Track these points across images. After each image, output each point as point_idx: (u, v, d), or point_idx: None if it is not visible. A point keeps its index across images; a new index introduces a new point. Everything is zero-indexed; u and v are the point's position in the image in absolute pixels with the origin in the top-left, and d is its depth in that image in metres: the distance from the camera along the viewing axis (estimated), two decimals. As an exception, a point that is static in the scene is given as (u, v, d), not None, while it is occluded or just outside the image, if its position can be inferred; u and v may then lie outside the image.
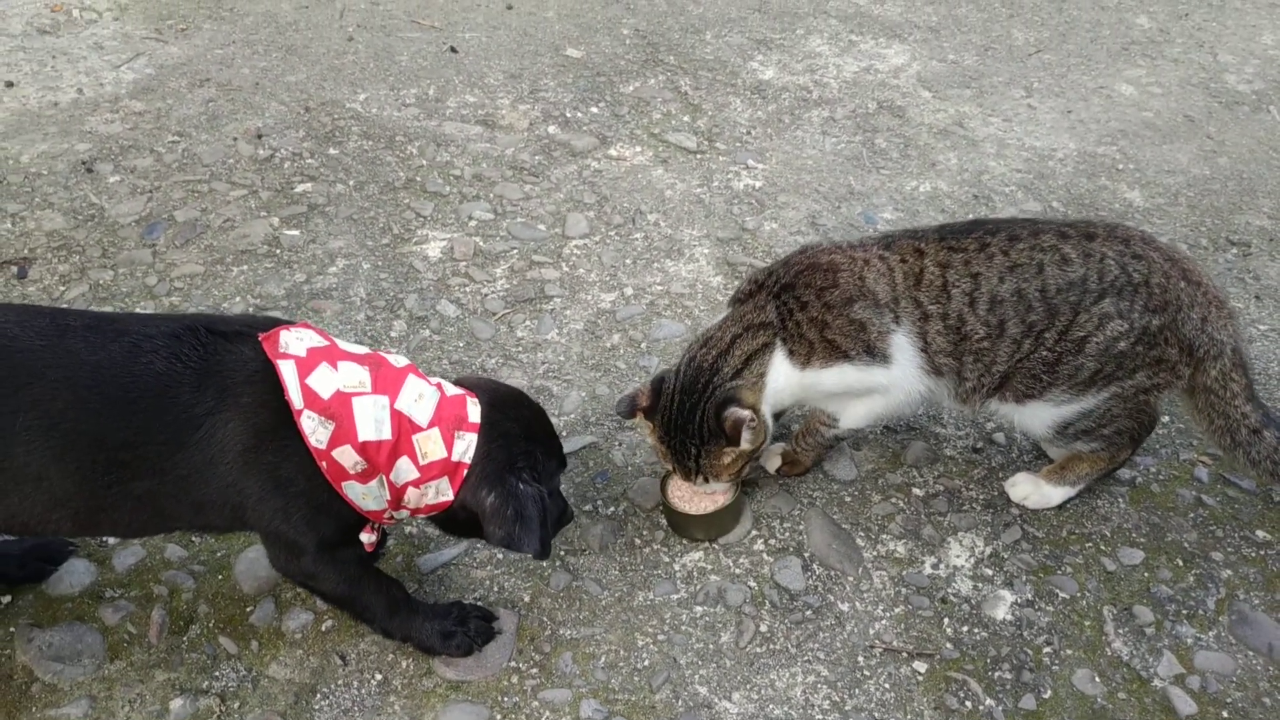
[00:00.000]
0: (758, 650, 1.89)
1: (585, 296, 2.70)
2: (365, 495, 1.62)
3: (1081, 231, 1.94)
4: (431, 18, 4.08)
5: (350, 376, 1.60)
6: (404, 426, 1.61)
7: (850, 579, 2.02)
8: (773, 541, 2.09)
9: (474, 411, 1.68)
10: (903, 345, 1.93)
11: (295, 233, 2.87)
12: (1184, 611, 1.97)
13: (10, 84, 3.45)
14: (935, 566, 2.05)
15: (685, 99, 3.62)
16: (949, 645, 1.91)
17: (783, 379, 1.94)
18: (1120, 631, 1.93)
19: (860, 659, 1.88)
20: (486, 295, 2.69)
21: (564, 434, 2.25)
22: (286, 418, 1.55)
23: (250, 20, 3.97)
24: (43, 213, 2.88)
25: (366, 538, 1.74)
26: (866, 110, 3.60)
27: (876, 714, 1.80)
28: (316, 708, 1.77)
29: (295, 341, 1.60)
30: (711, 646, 1.89)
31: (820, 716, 1.79)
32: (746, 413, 1.87)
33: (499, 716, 1.77)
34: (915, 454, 2.28)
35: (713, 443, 1.92)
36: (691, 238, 2.94)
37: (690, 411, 1.92)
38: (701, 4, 4.30)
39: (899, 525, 2.13)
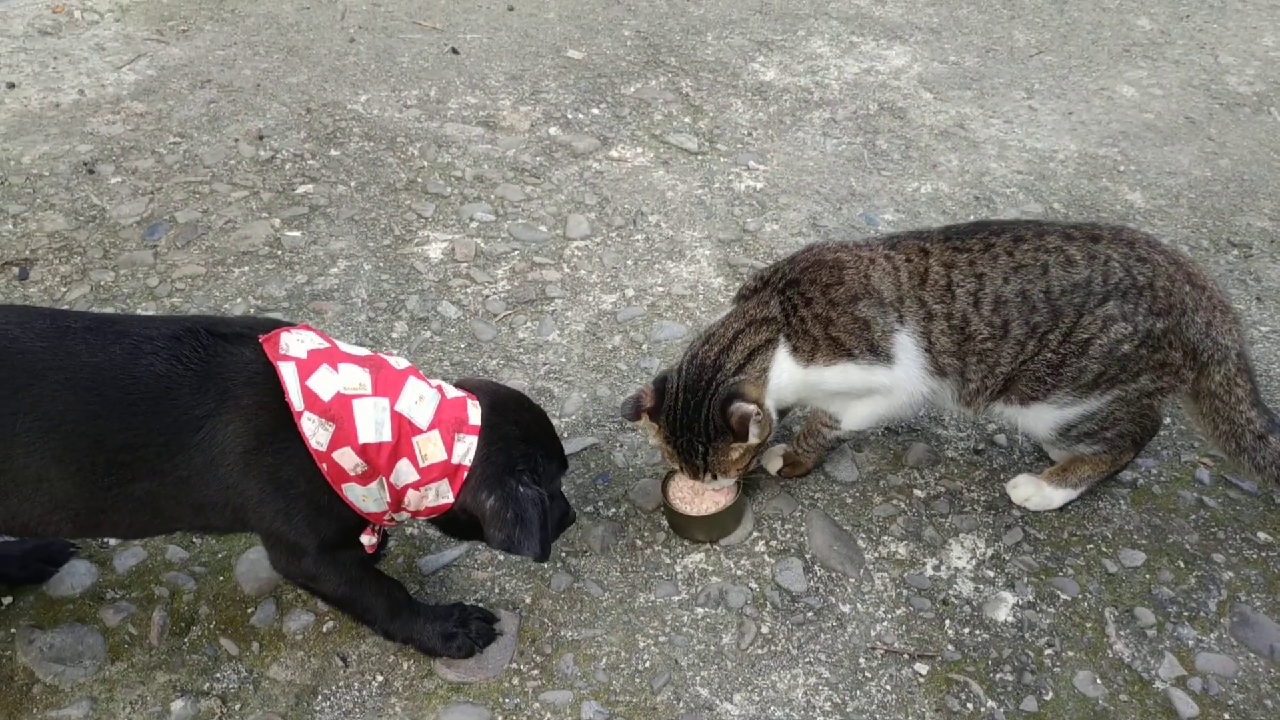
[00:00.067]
0: (759, 652, 1.89)
1: (586, 298, 2.70)
2: (365, 497, 1.62)
3: (1086, 233, 1.94)
4: (433, 19, 4.08)
5: (351, 378, 1.60)
6: (404, 429, 1.60)
7: (851, 580, 2.02)
8: (774, 543, 2.09)
9: (474, 414, 1.68)
10: (906, 345, 1.92)
11: (296, 234, 2.87)
12: (1185, 613, 1.97)
13: (12, 85, 3.45)
14: (937, 568, 2.05)
15: (686, 100, 3.62)
16: (950, 647, 1.90)
17: (785, 376, 1.94)
18: (1122, 633, 1.93)
19: (862, 661, 1.88)
20: (488, 296, 2.69)
21: (565, 435, 2.25)
22: (287, 420, 1.55)
23: (252, 21, 3.97)
24: (44, 214, 2.89)
25: (367, 539, 1.74)
26: (868, 111, 3.60)
27: (878, 716, 1.80)
28: (317, 709, 1.77)
29: (296, 343, 1.59)
30: (713, 648, 1.89)
31: (821, 718, 1.79)
32: (752, 407, 1.87)
33: (500, 718, 1.77)
34: (917, 455, 2.28)
35: (720, 439, 1.92)
36: (692, 239, 2.93)
37: (695, 409, 1.92)
38: (703, 5, 4.31)
39: (900, 527, 2.13)
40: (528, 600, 1.96)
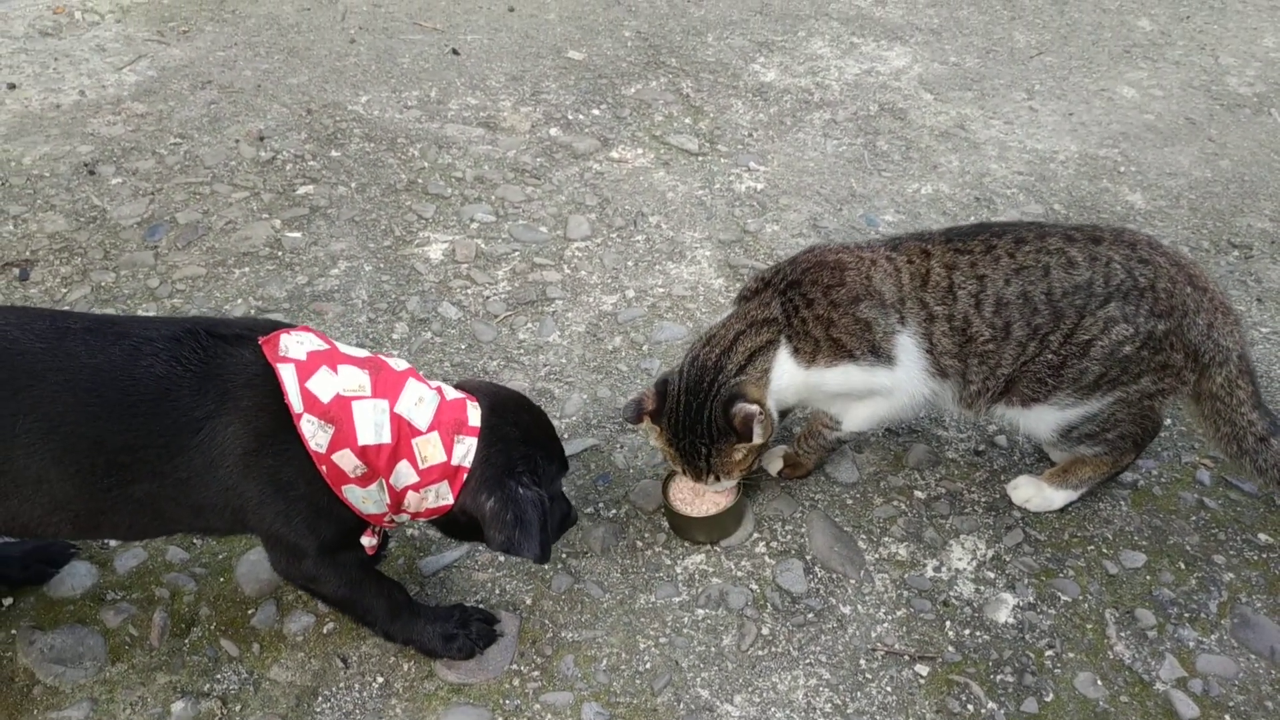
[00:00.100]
0: (759, 653, 1.89)
1: (587, 299, 2.70)
2: (365, 499, 1.62)
3: (1088, 235, 1.94)
4: (433, 20, 4.08)
5: (350, 380, 1.59)
6: (404, 430, 1.60)
7: (852, 582, 2.02)
8: (774, 544, 2.09)
9: (474, 415, 1.68)
10: (908, 346, 1.92)
11: (297, 235, 2.87)
12: (1186, 615, 1.97)
13: (13, 86, 3.45)
14: (937, 569, 2.05)
15: (687, 101, 3.62)
16: (951, 648, 1.90)
17: (787, 377, 1.94)
18: (1122, 634, 1.93)
19: (862, 662, 1.88)
20: (488, 297, 2.69)
21: (565, 436, 2.25)
22: (286, 421, 1.55)
23: (252, 22, 3.97)
24: (45, 215, 2.89)
25: (368, 541, 1.74)
26: (868, 112, 3.60)
27: (878, 717, 1.79)
28: (318, 710, 1.77)
29: (295, 345, 1.59)
30: (713, 649, 1.89)
31: (822, 719, 1.79)
32: (754, 407, 1.87)
33: (500, 719, 1.77)
34: (917, 456, 2.28)
35: (723, 440, 1.92)
36: (693, 240, 2.93)
37: (698, 411, 1.92)
38: (703, 6, 4.31)
39: (901, 528, 2.13)
40: (528, 601, 1.96)
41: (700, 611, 1.95)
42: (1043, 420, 1.99)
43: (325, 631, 1.88)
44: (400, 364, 1.69)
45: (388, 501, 1.64)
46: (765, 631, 1.93)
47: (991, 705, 1.81)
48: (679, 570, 2.03)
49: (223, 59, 3.70)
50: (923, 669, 1.87)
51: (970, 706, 1.81)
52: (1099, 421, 1.97)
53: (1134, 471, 2.23)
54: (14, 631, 1.85)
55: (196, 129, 3.29)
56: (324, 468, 1.57)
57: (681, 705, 1.80)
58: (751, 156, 3.33)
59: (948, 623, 1.95)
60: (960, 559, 2.07)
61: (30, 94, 3.43)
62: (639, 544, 2.08)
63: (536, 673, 1.84)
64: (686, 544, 2.08)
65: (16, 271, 2.68)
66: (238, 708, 1.77)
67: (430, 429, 1.62)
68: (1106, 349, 1.88)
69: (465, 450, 1.64)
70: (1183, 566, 2.06)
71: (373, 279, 2.73)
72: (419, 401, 1.63)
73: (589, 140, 3.36)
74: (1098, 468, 2.08)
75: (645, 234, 2.95)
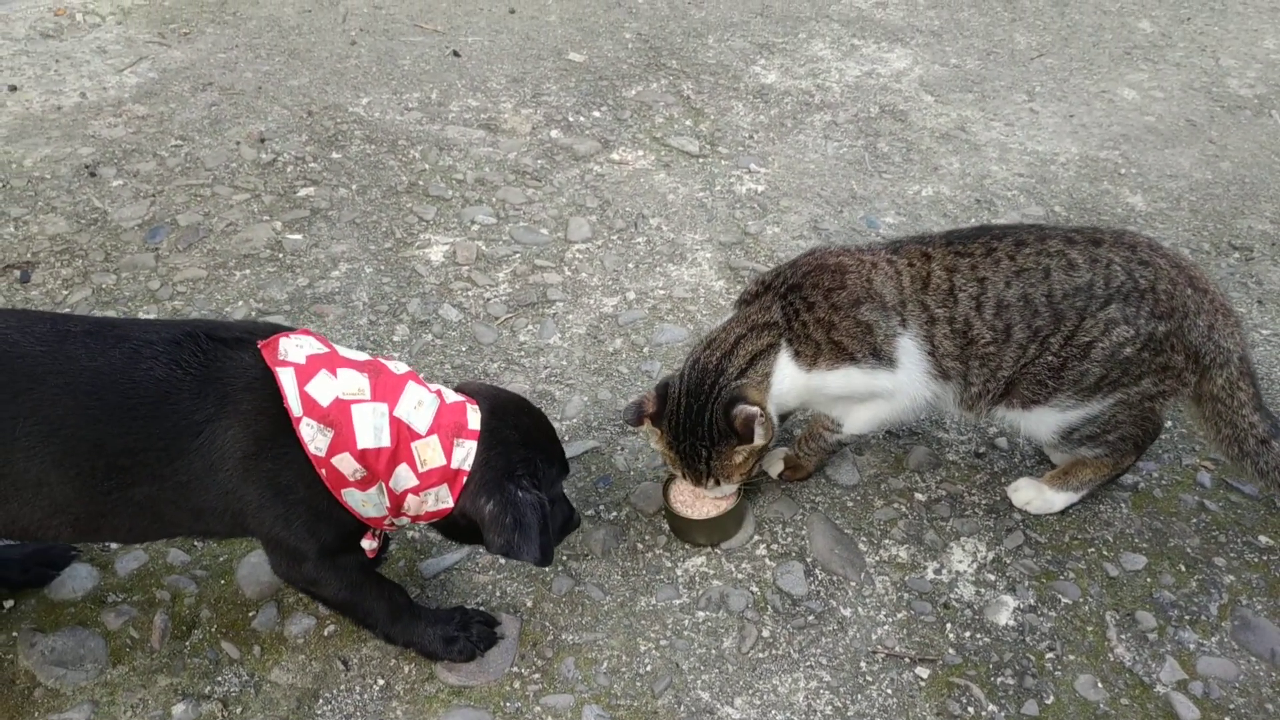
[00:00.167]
0: (760, 655, 1.89)
1: (587, 301, 2.70)
2: (365, 502, 1.62)
3: (1088, 237, 1.94)
4: (434, 22, 4.09)
5: (350, 383, 1.60)
6: (403, 434, 1.60)
7: (852, 584, 2.02)
8: (775, 546, 2.09)
9: (474, 418, 1.68)
10: (909, 349, 1.92)
11: (298, 237, 2.87)
12: (1187, 617, 1.97)
13: (14, 88, 3.46)
14: (938, 572, 2.05)
15: (687, 103, 3.62)
16: (951, 650, 1.90)
17: (788, 380, 1.94)
18: (1123, 637, 1.93)
19: (863, 664, 1.88)
20: (489, 299, 2.69)
21: (566, 439, 2.25)
22: (286, 425, 1.55)
23: (253, 24, 3.98)
24: (45, 217, 2.89)
25: (368, 544, 1.74)
26: (869, 114, 3.60)
27: (879, 719, 1.80)
28: (319, 713, 1.77)
29: (295, 349, 1.59)
30: (714, 652, 1.89)
31: (822, 722, 1.79)
32: (755, 408, 1.87)
33: (500, 722, 1.77)
34: (918, 459, 2.28)
35: (723, 443, 1.92)
36: (694, 242, 2.93)
37: (698, 414, 1.92)
38: (704, 8, 4.31)
39: (901, 530, 2.13)
40: (529, 604, 1.96)
41: (701, 614, 1.95)
42: (1043, 422, 1.99)
43: (326, 634, 1.88)
44: (400, 367, 1.69)
45: (387, 505, 1.64)
46: (766, 634, 1.93)
47: (992, 708, 1.81)
48: (680, 573, 2.03)
49: (224, 61, 3.71)
50: (923, 671, 1.87)
51: (971, 709, 1.81)
52: (1100, 423, 1.97)
53: (1135, 474, 2.23)
54: (15, 634, 1.85)
55: (197, 131, 3.29)
56: (323, 471, 1.57)
57: (682, 708, 1.80)
58: (752, 158, 3.33)
59: (948, 625, 1.95)
60: (961, 561, 2.07)
61: (31, 96, 3.43)
62: (640, 546, 2.08)
63: (537, 675, 1.84)
64: (687, 546, 2.08)
65: (18, 274, 2.68)
66: (238, 710, 1.77)
67: (430, 432, 1.62)
68: (1107, 351, 1.88)
69: (465, 454, 1.64)
70: (1183, 569, 2.05)
71: (373, 281, 2.73)
72: (418, 405, 1.63)
73: (590, 142, 3.36)
74: (1098, 470, 2.08)
75: (646, 236, 2.95)
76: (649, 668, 1.86)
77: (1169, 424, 2.34)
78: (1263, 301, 2.78)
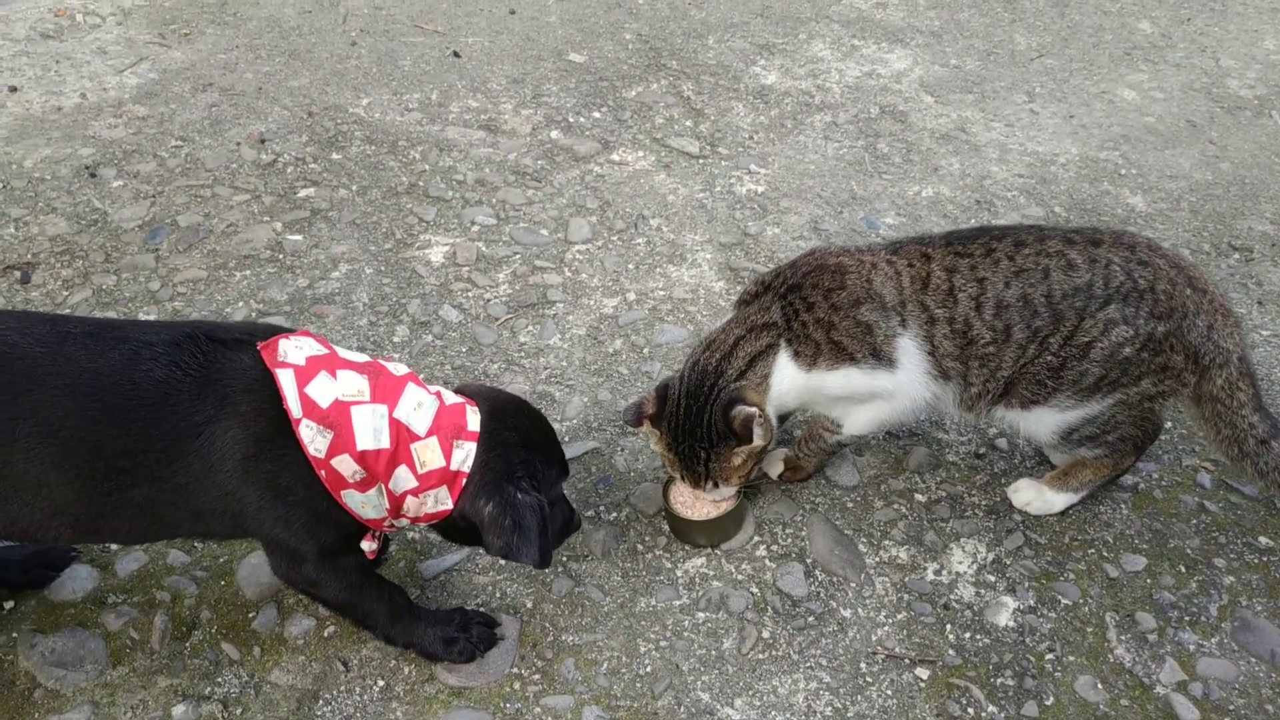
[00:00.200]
0: (760, 656, 1.89)
1: (587, 302, 2.70)
2: (364, 504, 1.62)
3: (1088, 237, 1.94)
4: (434, 22, 4.09)
5: (349, 385, 1.60)
6: (402, 435, 1.60)
7: (852, 585, 2.02)
8: (775, 547, 2.09)
9: (473, 420, 1.68)
10: (909, 349, 1.92)
11: (298, 238, 2.87)
12: (1186, 618, 1.97)
13: (14, 89, 3.46)
14: (938, 572, 2.05)
15: (688, 104, 3.62)
16: (951, 652, 1.90)
17: (787, 381, 1.94)
18: (1123, 638, 1.93)
19: (863, 665, 1.88)
20: (489, 300, 2.69)
21: (566, 440, 2.25)
22: (285, 427, 1.55)
23: (253, 25, 3.98)
24: (46, 217, 2.89)
25: (368, 545, 1.74)
26: (869, 115, 3.60)
27: (878, 721, 1.80)
28: (319, 714, 1.77)
29: (294, 350, 1.59)
30: (714, 653, 1.89)
31: (822, 723, 1.79)
32: (753, 409, 1.87)
33: (500, 723, 1.77)
34: (918, 460, 2.28)
35: (722, 445, 1.92)
36: (694, 243, 2.94)
37: (698, 415, 1.92)
38: (704, 9, 4.31)
39: (901, 531, 2.13)
40: (529, 605, 1.96)
41: (701, 615, 1.95)
42: (1043, 422, 1.99)
43: (326, 635, 1.88)
44: (400, 369, 1.69)
45: (387, 506, 1.64)
46: (766, 635, 1.93)
47: (992, 709, 1.81)
48: (679, 574, 2.03)
49: (224, 61, 3.71)
50: (923, 672, 1.87)
51: (971, 710, 1.81)
52: (1099, 424, 1.97)
53: (1134, 475, 2.23)
54: (15, 635, 1.85)
55: (198, 131, 3.30)
56: (323, 473, 1.57)
57: (682, 708, 1.80)
58: (752, 159, 3.33)
59: (948, 626, 1.95)
60: (961, 562, 2.07)
61: (32, 96, 3.43)
62: (640, 547, 2.08)
63: (537, 676, 1.84)
64: (687, 547, 2.08)
65: (18, 274, 2.68)
66: (239, 711, 1.77)
67: (429, 434, 1.62)
68: (1106, 351, 1.88)
69: (464, 455, 1.64)
70: (1183, 570, 2.05)
71: (374, 282, 2.73)
72: (418, 406, 1.63)
73: (590, 143, 3.36)
74: (1098, 470, 2.08)
75: (646, 237, 2.95)
76: (649, 669, 1.86)
77: (1169, 425, 2.34)
78: (1263, 302, 2.78)
